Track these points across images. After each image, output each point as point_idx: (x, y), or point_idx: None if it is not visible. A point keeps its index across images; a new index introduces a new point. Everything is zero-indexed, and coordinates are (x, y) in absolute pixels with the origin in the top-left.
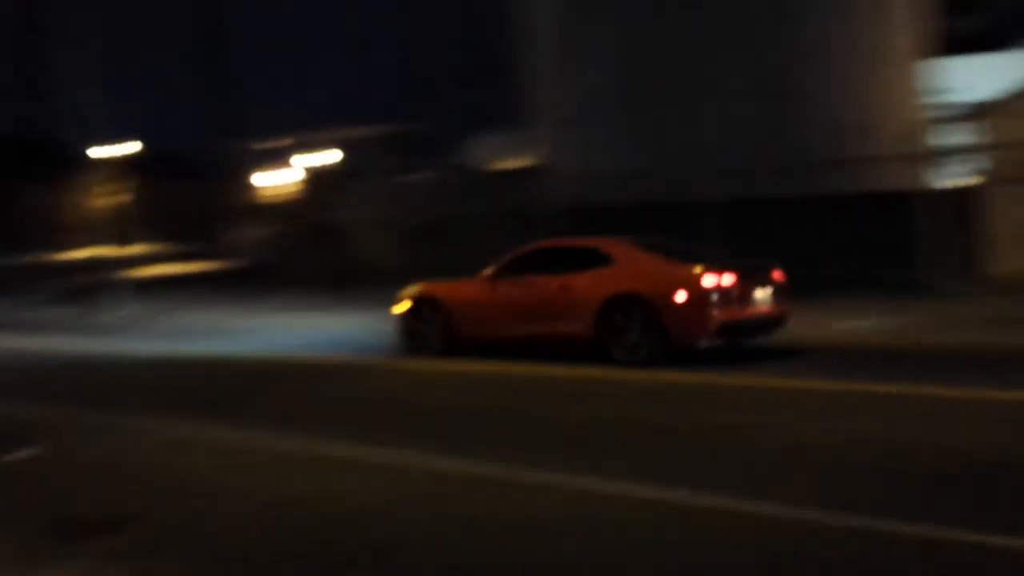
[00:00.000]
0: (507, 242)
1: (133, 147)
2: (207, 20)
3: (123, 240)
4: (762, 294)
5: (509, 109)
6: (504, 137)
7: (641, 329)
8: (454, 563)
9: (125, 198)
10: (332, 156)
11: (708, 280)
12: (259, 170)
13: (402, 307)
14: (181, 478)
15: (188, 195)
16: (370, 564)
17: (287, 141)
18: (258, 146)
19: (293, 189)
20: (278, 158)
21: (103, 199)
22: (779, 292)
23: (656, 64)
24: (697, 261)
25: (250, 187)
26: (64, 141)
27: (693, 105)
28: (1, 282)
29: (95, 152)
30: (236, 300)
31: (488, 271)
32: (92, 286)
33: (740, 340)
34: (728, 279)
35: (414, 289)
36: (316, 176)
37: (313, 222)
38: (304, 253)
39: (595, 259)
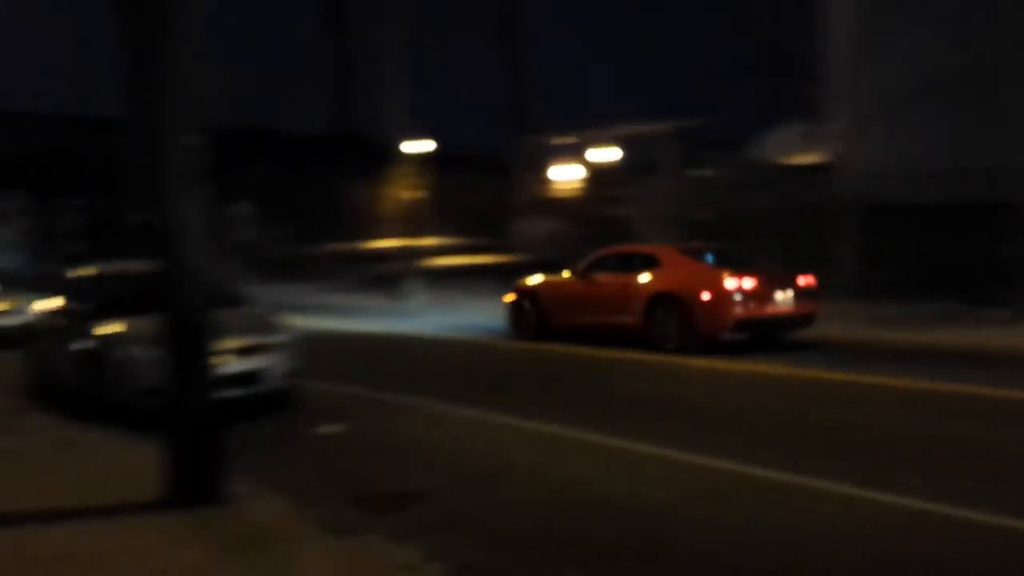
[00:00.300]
0: (796, 238)
1: (430, 144)
2: (504, 11)
3: (419, 232)
4: (783, 296)
5: (801, 104)
6: (795, 132)
7: (675, 322)
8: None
9: (421, 193)
10: (617, 152)
11: (730, 283)
12: (546, 166)
13: (509, 298)
14: (471, 459)
15: (480, 190)
16: (644, 557)
17: (574, 137)
18: (545, 142)
19: (579, 184)
20: (565, 153)
21: (402, 194)
22: (802, 295)
23: (958, 61)
24: (729, 267)
25: (537, 182)
26: (372, 138)
27: (1000, 104)
28: (311, 269)
29: (399, 148)
30: None
31: (573, 270)
32: (393, 274)
33: (765, 334)
34: (749, 283)
35: (520, 283)
36: (601, 171)
37: (597, 217)
38: (588, 248)
39: (648, 263)
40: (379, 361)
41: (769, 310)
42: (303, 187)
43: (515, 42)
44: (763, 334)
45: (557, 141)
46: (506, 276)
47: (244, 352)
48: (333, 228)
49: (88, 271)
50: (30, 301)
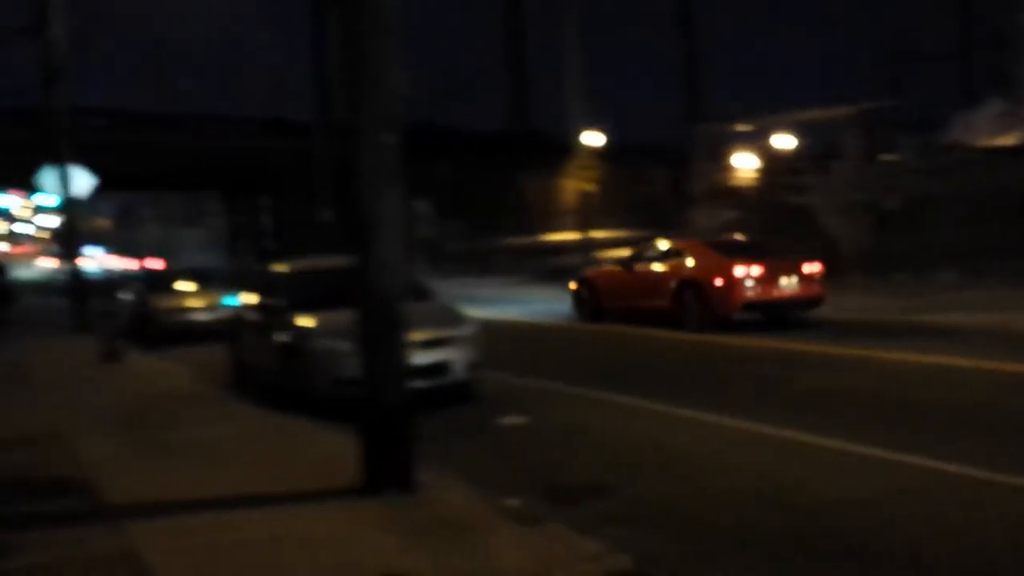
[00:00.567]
0: (995, 223)
1: (604, 137)
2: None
3: (594, 225)
4: (787, 281)
5: (1000, 83)
6: (992, 112)
7: (696, 304)
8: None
9: (596, 185)
10: (797, 137)
11: (739, 270)
12: (724, 154)
13: (572, 286)
14: (653, 452)
15: (655, 181)
16: (843, 557)
17: (753, 123)
18: (723, 129)
19: (758, 172)
20: (743, 141)
21: (578, 186)
22: (807, 280)
23: None
24: (742, 257)
25: (714, 171)
26: (548, 133)
27: None
28: (488, 263)
29: (574, 142)
30: None
31: (621, 261)
32: (568, 267)
33: (773, 315)
34: (756, 270)
35: (580, 273)
36: (782, 159)
37: (778, 206)
38: (768, 238)
39: (678, 254)
40: (557, 353)
41: (775, 293)
42: (479, 183)
43: (690, 28)
44: (771, 314)
45: (735, 128)
46: None
47: (431, 344)
48: (508, 222)
49: (283, 267)
50: (226, 297)
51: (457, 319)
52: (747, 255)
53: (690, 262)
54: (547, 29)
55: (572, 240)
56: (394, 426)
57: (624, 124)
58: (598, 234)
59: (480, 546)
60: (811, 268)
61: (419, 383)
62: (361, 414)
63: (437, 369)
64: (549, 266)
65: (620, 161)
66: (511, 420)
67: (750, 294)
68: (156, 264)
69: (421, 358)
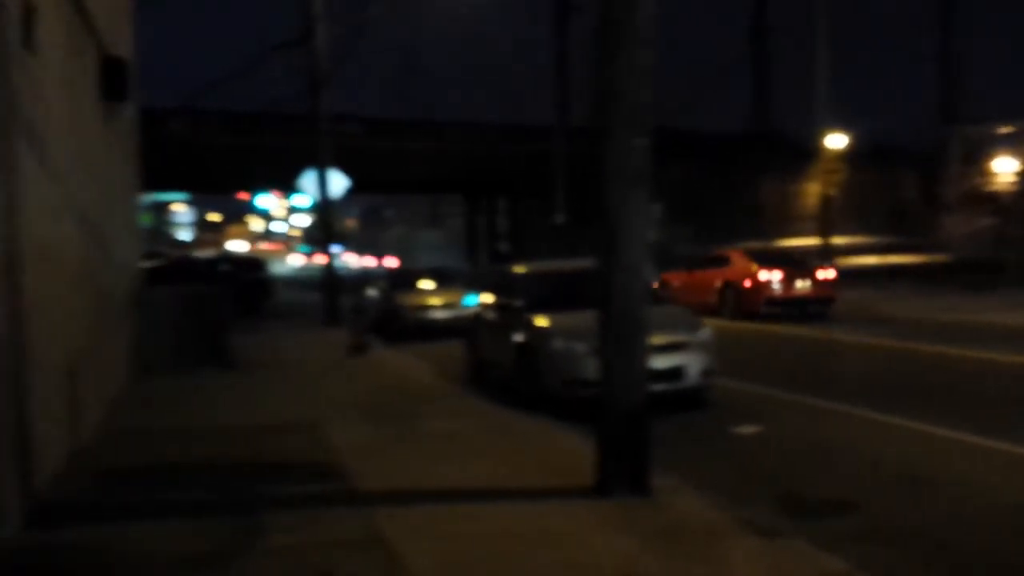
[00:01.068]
0: None
1: (847, 139)
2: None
3: (834, 230)
4: (801, 283)
5: None
6: None
7: (732, 301)
8: None
9: (837, 189)
10: None
11: (763, 275)
12: (982, 158)
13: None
14: (895, 469)
15: (902, 186)
16: None
17: (1015, 125)
18: (981, 132)
19: (1019, 178)
20: (1003, 145)
21: (818, 190)
22: (819, 283)
23: None
24: (768, 264)
25: (969, 177)
26: (789, 135)
27: None
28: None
29: (816, 144)
30: (941, 294)
31: (685, 265)
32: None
33: (791, 310)
34: (777, 275)
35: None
36: None
37: None
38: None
39: (724, 261)
40: (789, 361)
41: (792, 293)
42: (711, 186)
43: (945, 26)
44: (789, 309)
45: (996, 131)
46: (925, 278)
47: (668, 349)
48: (741, 227)
49: (521, 268)
50: (464, 296)
51: (693, 324)
52: (774, 263)
53: (732, 268)
54: (789, 26)
55: (811, 246)
56: (632, 429)
57: (869, 125)
58: (838, 240)
59: (717, 555)
60: (825, 274)
61: (657, 387)
62: (597, 415)
63: (673, 374)
64: None
65: (865, 164)
66: (745, 429)
67: (771, 293)
68: (392, 263)
69: (658, 362)
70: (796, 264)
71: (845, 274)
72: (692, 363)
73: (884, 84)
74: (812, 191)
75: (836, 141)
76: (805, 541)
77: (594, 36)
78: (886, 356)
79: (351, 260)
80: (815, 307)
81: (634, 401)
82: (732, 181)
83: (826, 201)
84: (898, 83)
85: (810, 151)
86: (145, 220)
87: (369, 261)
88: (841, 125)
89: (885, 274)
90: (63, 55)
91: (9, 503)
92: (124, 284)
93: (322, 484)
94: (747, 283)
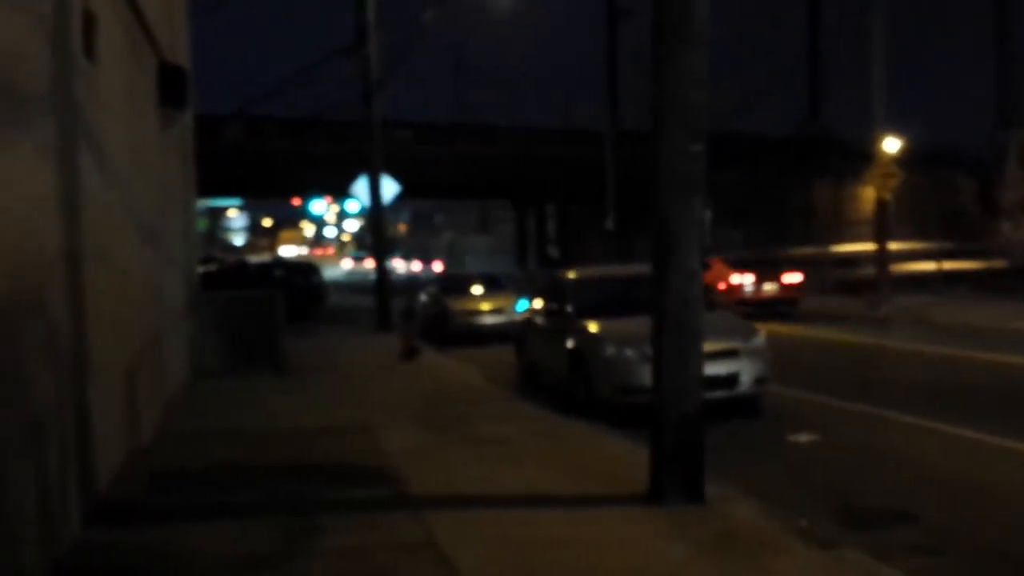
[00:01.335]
0: None
1: (901, 142)
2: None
3: (884, 235)
4: (769, 286)
5: None
6: None
7: (710, 301)
8: None
9: (891, 194)
10: None
11: (735, 279)
12: None
13: None
14: (953, 479)
15: (958, 190)
16: None
17: None
18: None
19: None
20: None
21: (872, 194)
22: (784, 286)
23: None
24: (739, 268)
25: (1020, 182)
26: (842, 138)
27: None
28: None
29: (869, 148)
30: (999, 301)
31: None
32: (858, 279)
33: (760, 309)
34: (749, 278)
35: None
36: None
37: None
38: None
39: (707, 267)
40: (844, 369)
41: (760, 295)
42: (761, 190)
43: (1001, 27)
44: (759, 309)
45: None
46: (982, 284)
47: (721, 355)
48: (791, 231)
49: (572, 274)
50: (514, 301)
51: (748, 331)
52: (747, 268)
53: (711, 273)
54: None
55: (865, 251)
56: (686, 437)
57: (926, 128)
58: (894, 245)
59: (773, 565)
60: (791, 279)
61: (711, 394)
62: (649, 421)
63: (726, 381)
64: (837, 278)
65: (921, 168)
66: (799, 437)
67: (741, 295)
68: (438, 268)
69: (711, 369)
70: (766, 270)
71: (901, 280)
72: (746, 370)
73: (941, 86)
74: (866, 195)
75: (892, 144)
76: (862, 552)
77: (650, 40)
78: (942, 364)
79: (398, 265)
80: (782, 307)
81: (688, 409)
82: (784, 185)
83: (881, 206)
84: (955, 86)
85: (865, 154)
86: (201, 225)
87: (416, 266)
88: (897, 128)
89: (941, 280)
90: (123, 63)
91: (71, 503)
92: (181, 288)
93: (374, 487)
94: (721, 285)
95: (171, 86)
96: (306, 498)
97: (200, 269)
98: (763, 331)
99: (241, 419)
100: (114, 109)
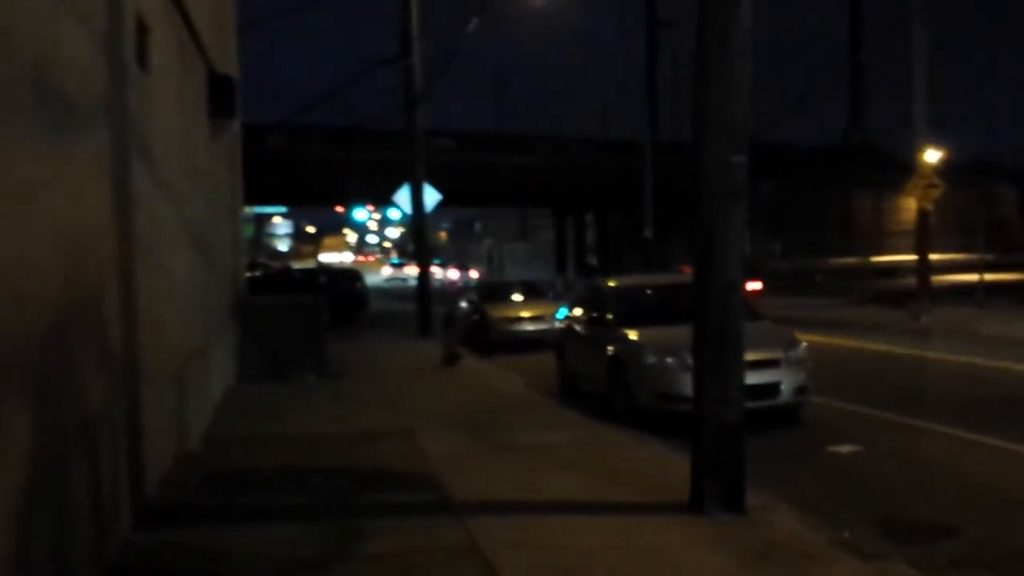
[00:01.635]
0: None
1: (943, 153)
2: None
3: (925, 246)
4: None
5: None
6: None
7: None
8: None
9: (933, 204)
10: None
11: None
12: None
13: None
14: (996, 491)
15: (1003, 201)
16: None
17: None
18: None
19: None
20: None
21: (914, 205)
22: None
23: None
24: None
25: None
26: (883, 148)
27: None
28: (810, 283)
29: (911, 158)
30: None
31: None
32: (899, 290)
33: None
34: None
35: None
36: None
37: None
38: None
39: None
40: (883, 380)
41: None
42: (803, 200)
43: None
44: None
45: None
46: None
47: (762, 365)
48: (831, 241)
49: (613, 282)
50: (554, 309)
51: (789, 340)
52: None
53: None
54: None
55: (905, 262)
56: (727, 446)
57: (968, 139)
58: (935, 256)
59: None
60: (752, 286)
61: (751, 403)
62: (691, 430)
63: (767, 391)
64: (877, 288)
65: (962, 179)
66: (840, 448)
67: None
68: (474, 275)
69: (752, 378)
70: None
71: (942, 291)
72: (787, 380)
73: (983, 97)
74: (907, 206)
75: (933, 155)
76: (905, 565)
77: (694, 52)
78: (985, 376)
79: (436, 272)
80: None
81: (730, 418)
82: (823, 195)
83: (923, 217)
84: (998, 97)
85: (906, 165)
86: (247, 231)
87: (453, 274)
88: (938, 139)
89: (983, 291)
90: (174, 73)
91: (122, 504)
92: (228, 293)
93: (417, 492)
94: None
95: (220, 95)
96: (350, 502)
97: (246, 275)
98: (804, 341)
99: (286, 423)
100: (165, 118)
